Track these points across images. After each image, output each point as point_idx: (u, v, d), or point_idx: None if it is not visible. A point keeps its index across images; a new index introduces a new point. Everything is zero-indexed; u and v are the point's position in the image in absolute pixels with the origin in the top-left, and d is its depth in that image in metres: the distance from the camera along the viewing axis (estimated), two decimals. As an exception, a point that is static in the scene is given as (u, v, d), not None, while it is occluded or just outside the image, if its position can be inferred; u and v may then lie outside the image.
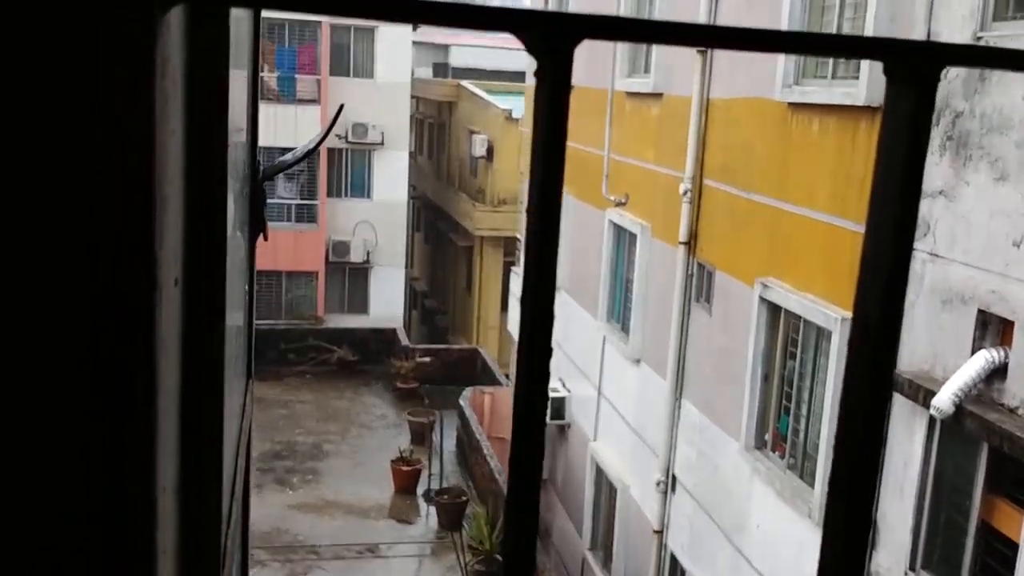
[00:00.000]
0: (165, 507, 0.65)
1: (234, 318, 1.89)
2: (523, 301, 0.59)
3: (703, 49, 10.58)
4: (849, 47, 0.70)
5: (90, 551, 0.61)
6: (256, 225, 1.79)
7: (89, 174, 0.54)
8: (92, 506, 0.61)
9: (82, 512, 0.60)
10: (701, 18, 10.56)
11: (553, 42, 0.64)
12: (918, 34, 7.11)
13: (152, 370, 0.60)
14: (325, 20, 26.47)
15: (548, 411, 15.28)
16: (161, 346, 0.65)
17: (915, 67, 0.69)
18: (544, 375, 0.60)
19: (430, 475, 18.22)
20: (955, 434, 6.70)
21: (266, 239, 1.93)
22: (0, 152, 0.52)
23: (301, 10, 0.55)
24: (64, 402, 0.59)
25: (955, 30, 6.79)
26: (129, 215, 0.56)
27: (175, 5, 0.59)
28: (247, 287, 1.85)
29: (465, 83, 31.07)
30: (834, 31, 8.46)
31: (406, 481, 18.24)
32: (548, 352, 0.61)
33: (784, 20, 8.86)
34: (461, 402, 20.12)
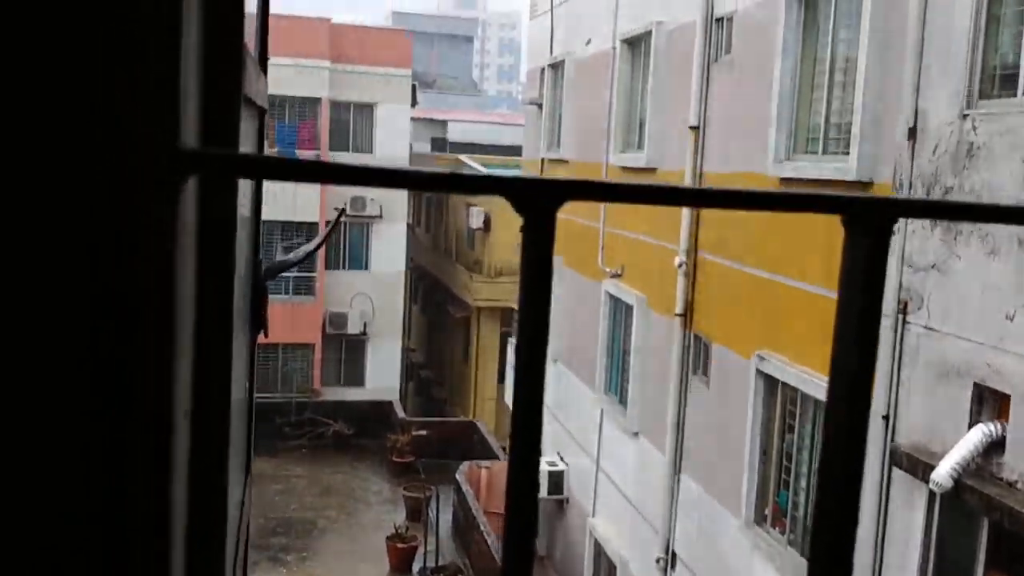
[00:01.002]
0: None
1: (236, 402, 1.92)
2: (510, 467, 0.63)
3: (695, 125, 10.79)
4: (810, 202, 0.76)
5: (90, 551, 0.61)
6: (257, 323, 1.84)
7: (91, 175, 0.56)
8: (92, 506, 0.60)
9: (82, 512, 0.60)
10: (693, 96, 10.77)
11: (538, 204, 0.70)
12: (906, 112, 7.26)
13: (154, 370, 0.60)
14: (325, 96, 26.90)
15: (546, 485, 15.20)
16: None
17: (870, 219, 0.74)
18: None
19: (426, 552, 17.96)
20: (955, 509, 6.67)
21: (267, 336, 1.98)
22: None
23: (304, 180, 0.61)
24: (64, 402, 0.59)
25: (941, 108, 6.94)
26: (147, 344, 0.59)
27: (192, 176, 0.63)
28: (247, 384, 1.89)
29: (463, 157, 31.49)
30: (823, 110, 8.63)
31: (402, 559, 17.98)
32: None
33: (774, 99, 9.05)
34: (458, 477, 19.95)
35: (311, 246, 3.41)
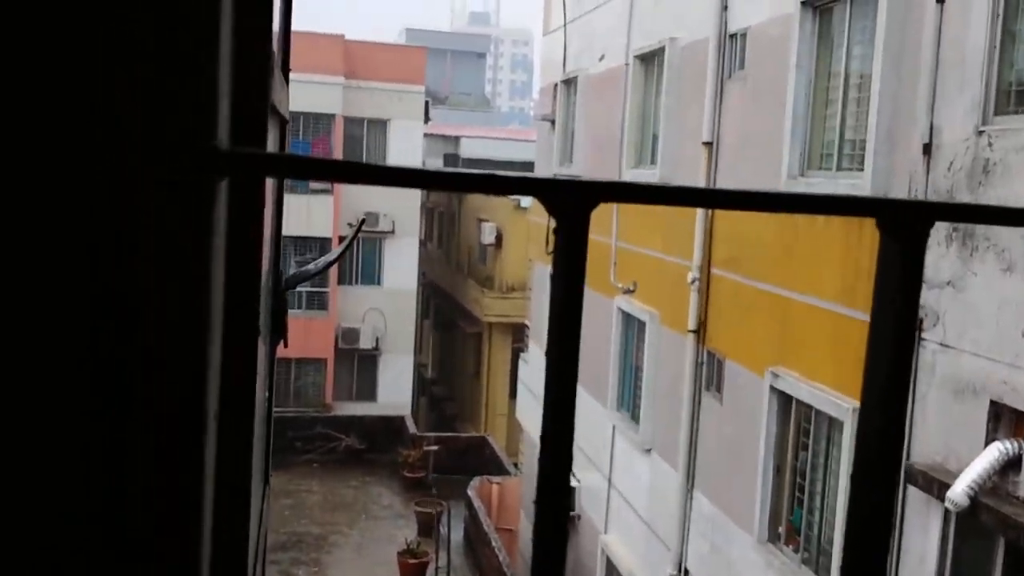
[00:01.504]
0: None
1: (256, 423, 1.92)
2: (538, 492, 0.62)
3: (709, 141, 10.79)
4: (845, 205, 0.75)
5: (90, 551, 0.60)
6: (277, 333, 1.85)
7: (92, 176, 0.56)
8: (92, 506, 0.60)
9: (82, 512, 0.60)
10: (706, 112, 10.77)
11: (572, 205, 0.69)
12: (920, 128, 7.24)
13: (153, 370, 0.60)
14: (339, 113, 27.03)
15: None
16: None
17: (905, 222, 0.73)
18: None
19: (437, 568, 17.91)
20: (971, 528, 6.61)
21: (286, 346, 1.98)
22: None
23: (336, 180, 0.61)
24: (64, 402, 0.59)
25: (956, 124, 6.92)
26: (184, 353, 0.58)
27: (225, 177, 0.64)
28: (267, 394, 1.89)
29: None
30: (836, 127, 8.62)
31: (413, 574, 17.92)
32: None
33: (788, 115, 9.04)
34: (469, 492, 19.90)
35: (332, 256, 3.42)
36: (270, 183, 1.56)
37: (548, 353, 0.71)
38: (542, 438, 0.67)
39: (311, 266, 2.91)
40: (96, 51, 0.53)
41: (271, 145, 1.34)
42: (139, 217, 0.57)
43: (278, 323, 1.82)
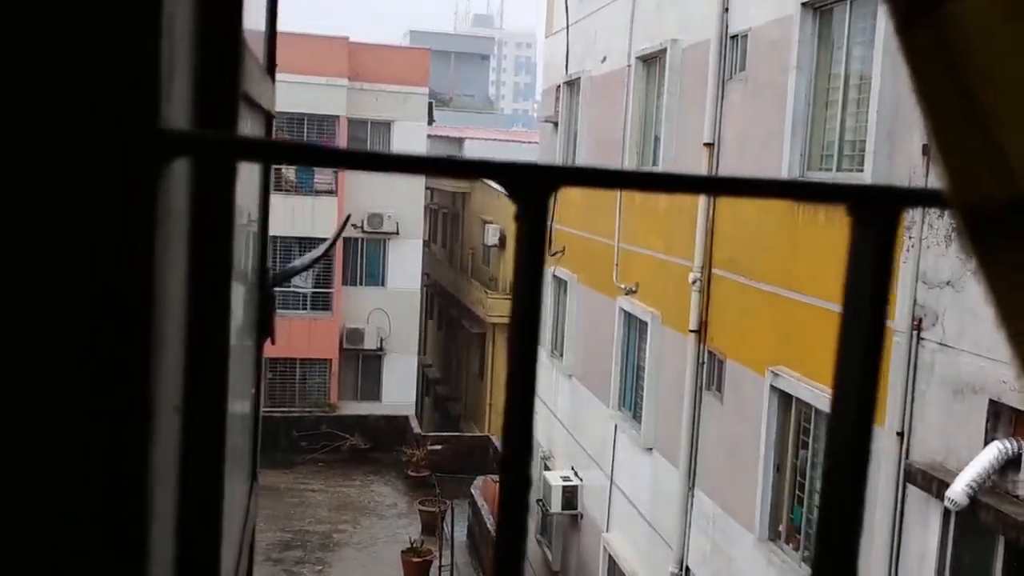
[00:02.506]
0: None
1: (241, 408, 1.92)
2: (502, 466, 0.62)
3: (710, 142, 10.79)
4: (813, 192, 0.74)
5: (90, 551, 0.60)
6: (264, 329, 1.85)
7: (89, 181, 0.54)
8: (92, 506, 0.59)
9: (82, 512, 0.59)
10: (707, 113, 10.77)
11: (532, 189, 0.69)
12: (920, 128, 7.23)
13: (150, 371, 0.59)
14: (343, 114, 27.06)
15: (560, 500, 15.17)
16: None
17: (875, 208, 0.72)
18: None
19: (440, 566, 17.92)
20: (971, 527, 6.60)
21: (273, 343, 1.98)
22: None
23: (286, 163, 0.60)
24: (64, 402, 0.58)
25: (957, 124, 6.90)
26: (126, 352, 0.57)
27: (176, 158, 0.62)
28: (254, 391, 1.89)
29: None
30: (837, 127, 8.61)
31: (417, 573, 17.94)
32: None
33: (788, 116, 9.04)
34: (472, 491, 19.91)
35: (318, 252, 3.43)
36: (252, 175, 1.57)
37: (510, 338, 0.70)
38: (504, 419, 0.67)
39: (297, 263, 2.92)
40: (32, 30, 0.52)
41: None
42: (75, 201, 0.55)
43: (265, 320, 1.82)
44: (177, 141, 0.56)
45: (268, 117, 1.70)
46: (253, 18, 1.55)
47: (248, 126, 1.30)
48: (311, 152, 0.59)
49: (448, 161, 0.67)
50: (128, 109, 0.53)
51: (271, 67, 1.76)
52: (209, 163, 0.80)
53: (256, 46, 1.50)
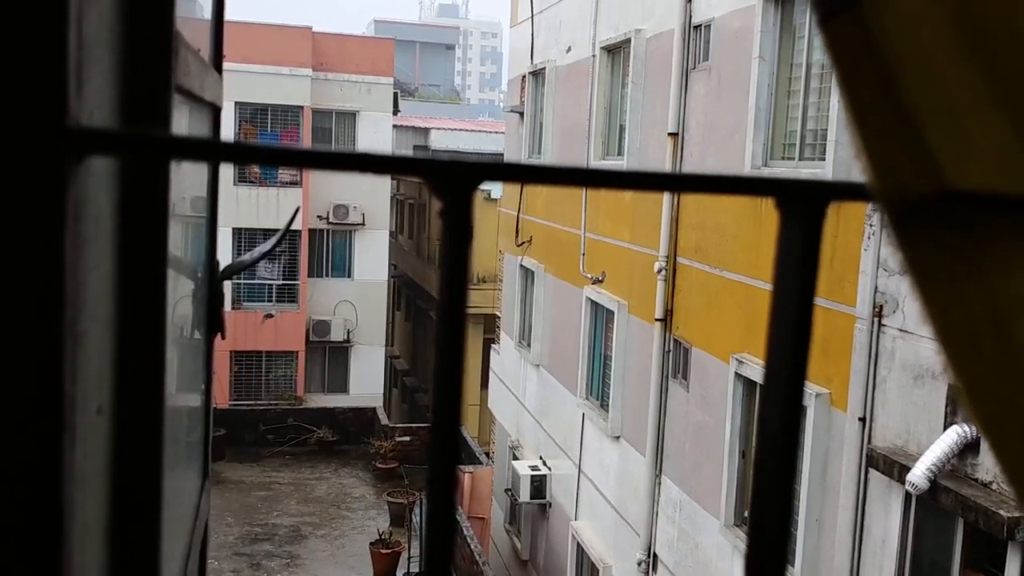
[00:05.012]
0: None
1: (188, 404, 1.90)
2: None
3: (674, 132, 10.83)
4: (744, 185, 0.75)
5: (1, 566, 0.58)
6: (213, 324, 1.83)
7: None
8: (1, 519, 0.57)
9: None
10: (672, 103, 10.80)
11: (455, 185, 0.69)
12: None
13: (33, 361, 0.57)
14: (307, 105, 26.86)
15: (528, 489, 15.22)
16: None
17: (803, 201, 0.73)
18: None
19: (410, 557, 17.93)
20: (931, 510, 6.70)
21: (223, 338, 1.97)
22: None
23: (207, 160, 0.59)
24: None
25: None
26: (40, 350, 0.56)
27: (88, 157, 0.61)
28: (204, 386, 1.88)
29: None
30: (799, 117, 8.67)
31: (386, 564, 17.93)
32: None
33: (751, 106, 9.09)
34: (441, 482, 19.90)
35: (267, 246, 3.41)
36: (199, 168, 1.54)
37: (437, 331, 0.70)
38: (432, 410, 0.66)
39: (246, 256, 2.90)
40: None
41: (194, 132, 1.32)
42: None
43: (214, 315, 1.80)
44: (88, 139, 0.55)
45: (215, 110, 1.68)
46: (196, 8, 1.53)
47: (188, 120, 1.28)
48: (216, 149, 0.58)
49: (365, 157, 0.67)
50: (28, 106, 0.52)
51: (218, 58, 1.74)
52: (135, 161, 0.79)
53: (200, 37, 1.48)
